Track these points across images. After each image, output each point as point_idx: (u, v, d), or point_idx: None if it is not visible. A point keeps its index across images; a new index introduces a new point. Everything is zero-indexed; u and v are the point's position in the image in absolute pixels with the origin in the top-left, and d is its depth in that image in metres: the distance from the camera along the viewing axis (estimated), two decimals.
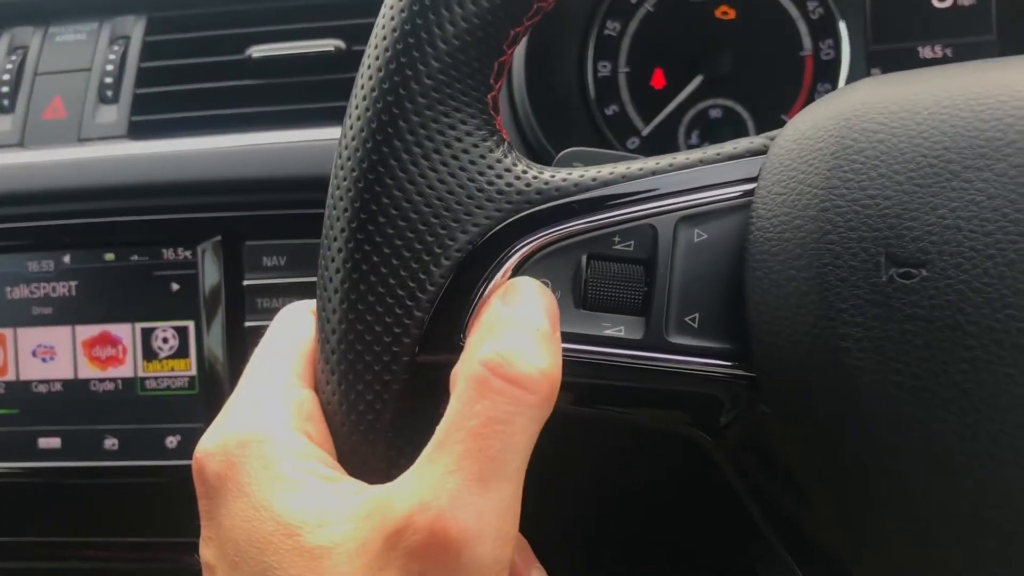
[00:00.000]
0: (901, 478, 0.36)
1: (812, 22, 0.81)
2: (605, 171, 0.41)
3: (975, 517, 0.35)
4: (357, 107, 0.40)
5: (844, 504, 0.38)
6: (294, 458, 0.39)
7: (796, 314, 0.37)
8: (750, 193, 0.40)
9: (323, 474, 0.39)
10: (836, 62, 0.81)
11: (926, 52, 0.80)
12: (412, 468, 0.37)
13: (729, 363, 0.40)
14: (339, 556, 0.36)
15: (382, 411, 0.40)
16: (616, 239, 0.41)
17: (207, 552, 0.40)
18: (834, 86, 0.81)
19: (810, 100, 0.81)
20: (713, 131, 0.83)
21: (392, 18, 0.40)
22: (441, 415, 0.39)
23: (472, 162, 0.40)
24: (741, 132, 0.82)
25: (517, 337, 0.37)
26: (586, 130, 0.84)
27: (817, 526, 0.40)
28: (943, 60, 0.81)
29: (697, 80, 0.82)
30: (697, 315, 0.40)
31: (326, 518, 0.37)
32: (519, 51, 0.78)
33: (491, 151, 0.41)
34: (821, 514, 0.39)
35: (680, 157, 0.41)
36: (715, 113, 0.83)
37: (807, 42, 0.81)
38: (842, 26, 0.81)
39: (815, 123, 0.39)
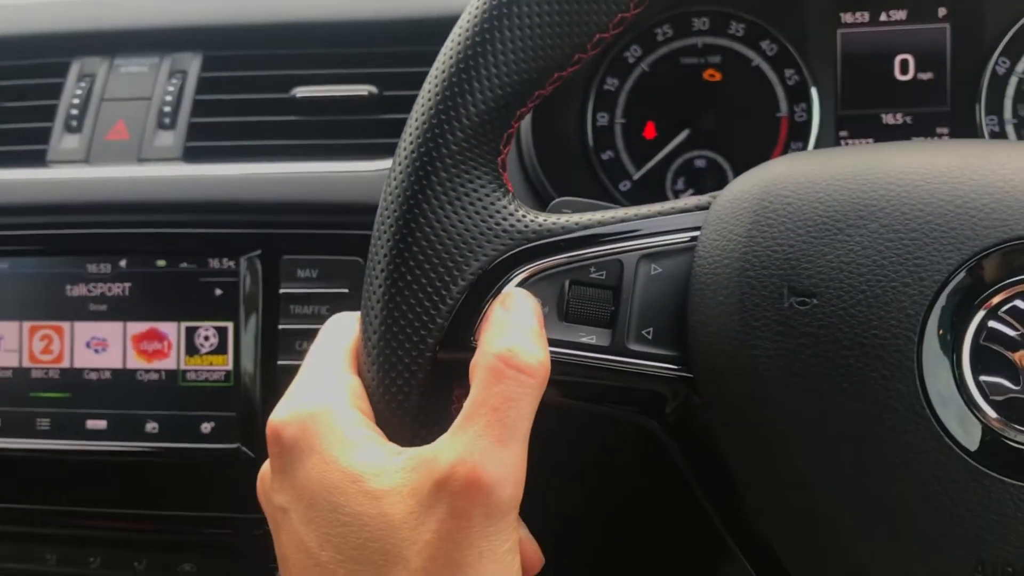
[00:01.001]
0: (798, 456, 0.45)
1: (788, 87, 0.87)
2: (586, 218, 0.50)
3: (854, 489, 0.44)
4: (399, 164, 0.49)
5: (757, 475, 0.47)
6: (352, 425, 0.48)
7: (723, 330, 0.46)
8: (695, 239, 0.49)
9: (374, 438, 0.48)
10: (808, 124, 0.86)
11: (888, 119, 0.86)
12: (448, 433, 0.46)
13: (674, 366, 0.49)
14: (395, 496, 0.45)
15: (409, 394, 0.49)
16: (592, 269, 0.50)
17: (280, 498, 0.48)
18: (805, 145, 0.86)
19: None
20: (697, 179, 0.88)
21: (429, 99, 0.49)
22: (454, 398, 0.49)
23: (484, 208, 0.50)
24: (722, 181, 0.86)
25: (519, 335, 0.47)
26: (584, 173, 0.89)
27: (740, 495, 0.49)
28: (903, 126, 0.85)
29: (684, 133, 0.88)
30: (651, 329, 0.49)
31: (382, 468, 0.46)
32: None
33: (499, 200, 0.50)
34: (740, 484, 0.48)
35: (643, 209, 0.50)
36: (700, 163, 0.88)
37: (783, 105, 0.87)
38: (814, 92, 0.86)
39: (743, 189, 0.49)
